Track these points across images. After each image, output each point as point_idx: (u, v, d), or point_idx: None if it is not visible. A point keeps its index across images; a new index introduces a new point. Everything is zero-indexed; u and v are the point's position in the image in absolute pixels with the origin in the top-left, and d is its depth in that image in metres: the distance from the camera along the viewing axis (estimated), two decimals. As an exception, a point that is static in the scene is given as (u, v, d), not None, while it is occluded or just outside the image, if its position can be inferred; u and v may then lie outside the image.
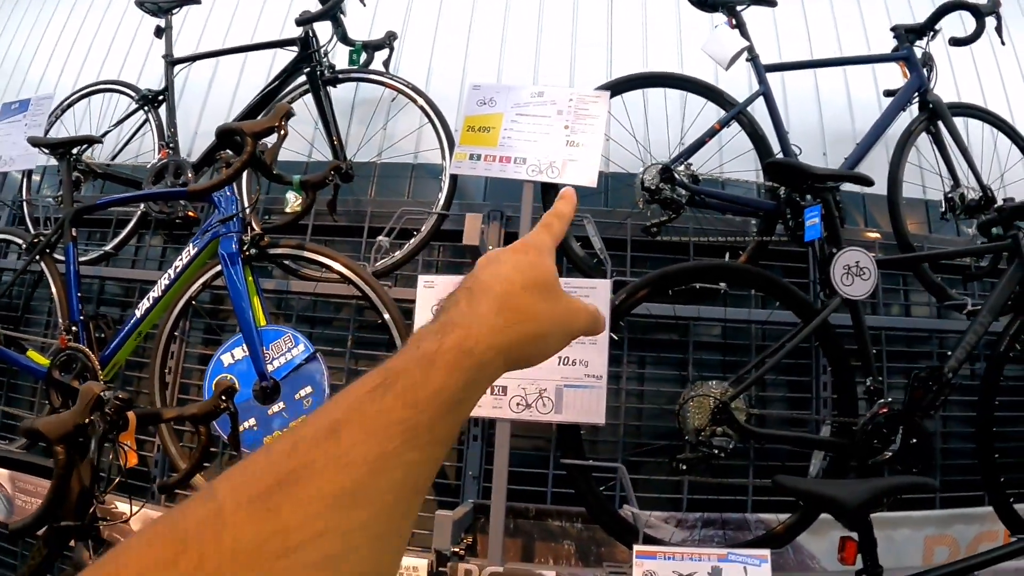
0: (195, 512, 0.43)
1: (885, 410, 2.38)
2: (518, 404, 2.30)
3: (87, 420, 1.90)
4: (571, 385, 2.30)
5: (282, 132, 2.54)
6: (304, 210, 2.81)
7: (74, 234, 2.99)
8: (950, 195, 2.98)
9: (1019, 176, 3.12)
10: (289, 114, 2.58)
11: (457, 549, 2.39)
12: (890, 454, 2.35)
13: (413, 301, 2.42)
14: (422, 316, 2.40)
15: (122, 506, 2.60)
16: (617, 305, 2.36)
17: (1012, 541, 2.36)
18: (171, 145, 3.35)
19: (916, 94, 2.98)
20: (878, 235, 3.15)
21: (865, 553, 1.87)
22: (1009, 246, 2.62)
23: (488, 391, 2.29)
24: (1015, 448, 3.01)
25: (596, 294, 2.34)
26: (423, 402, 0.53)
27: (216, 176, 3.01)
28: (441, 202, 2.83)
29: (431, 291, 2.44)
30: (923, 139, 3.06)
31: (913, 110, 3.10)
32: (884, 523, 2.79)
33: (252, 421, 2.57)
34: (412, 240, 2.83)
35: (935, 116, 2.98)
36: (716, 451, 2.23)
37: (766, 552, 2.29)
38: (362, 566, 0.46)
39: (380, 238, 2.77)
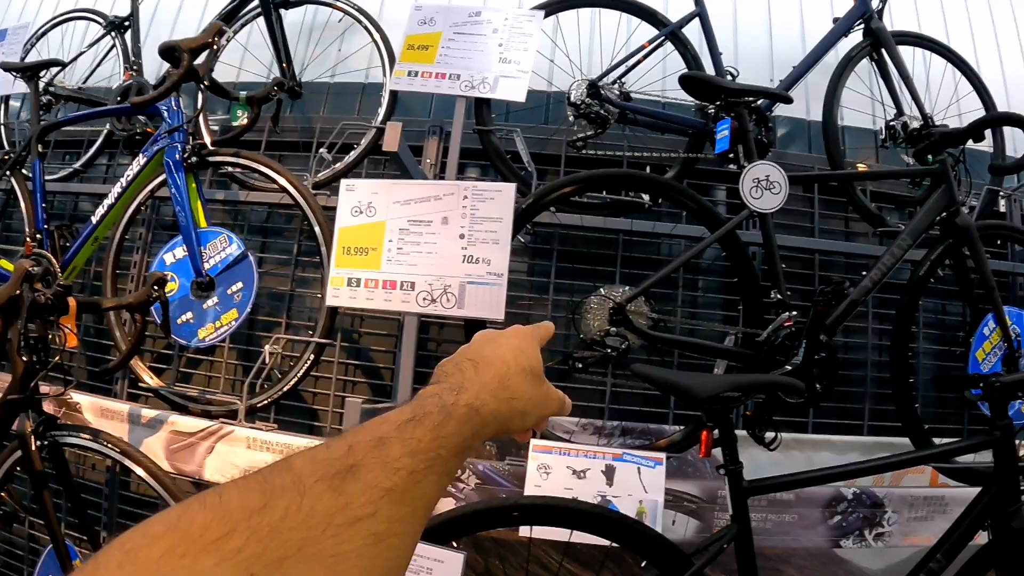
0: (280, 477, 0.54)
1: (789, 324, 2.43)
2: (424, 299, 2.42)
3: (18, 292, 2.16)
4: (474, 282, 2.41)
5: (215, 48, 2.72)
6: (249, 124, 2.97)
7: (41, 150, 3.17)
8: (892, 123, 2.98)
9: (975, 107, 3.12)
10: (221, 31, 2.75)
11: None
12: (791, 367, 2.41)
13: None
14: (343, 217, 2.54)
15: (77, 397, 2.84)
16: (524, 209, 2.46)
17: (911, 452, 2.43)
18: (135, 68, 3.53)
19: (860, 21, 2.95)
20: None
21: (725, 448, 1.94)
22: (936, 171, 2.63)
23: (398, 286, 2.42)
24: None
25: (501, 197, 2.45)
26: (444, 440, 0.66)
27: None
28: (380, 117, 2.92)
29: (352, 194, 2.55)
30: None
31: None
32: (805, 444, 2.86)
33: (189, 315, 2.74)
34: (352, 153, 2.96)
35: (878, 44, 2.98)
36: (609, 350, 2.32)
37: (661, 455, 2.39)
38: (393, 550, 0.57)
39: (321, 150, 2.92)
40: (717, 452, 1.93)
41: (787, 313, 2.42)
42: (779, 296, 2.43)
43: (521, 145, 2.66)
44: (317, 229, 2.64)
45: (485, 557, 2.82)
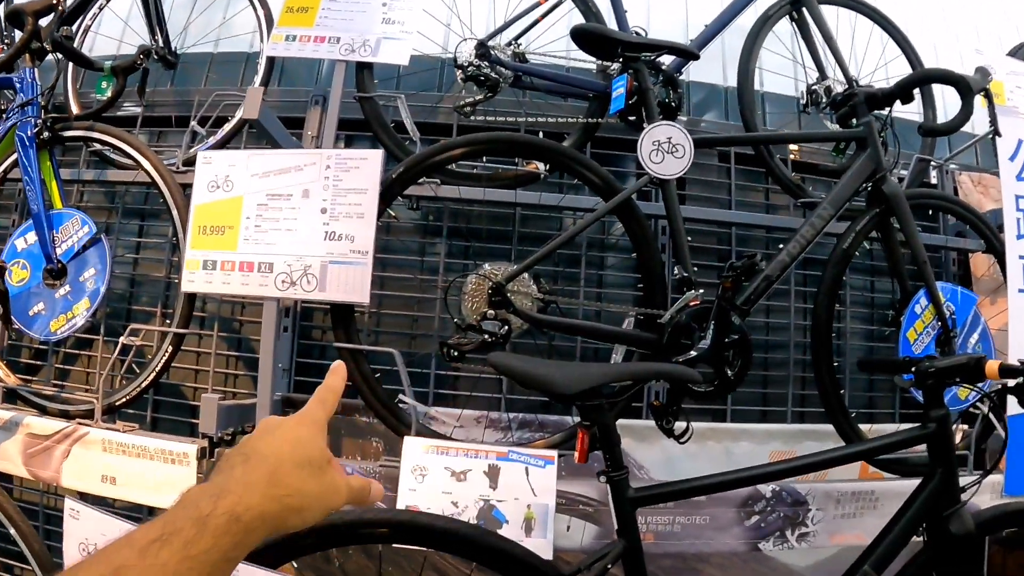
0: None
1: (696, 302, 1.96)
2: (283, 282, 1.95)
3: None
4: (337, 261, 1.93)
5: (61, 9, 2.30)
6: (114, 96, 2.48)
7: None
8: (814, 87, 2.52)
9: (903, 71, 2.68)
10: (65, -9, 2.30)
11: (227, 433, 2.07)
12: (696, 353, 1.95)
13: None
14: (199, 191, 2.07)
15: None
16: (393, 179, 1.98)
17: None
18: (6, 41, 3.04)
19: (778, -22, 2.52)
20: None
21: (606, 451, 1.48)
22: (860, 135, 2.19)
23: (255, 268, 1.95)
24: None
25: (366, 165, 1.97)
26: (195, 560, 0.57)
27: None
28: (256, 85, 2.46)
29: (208, 168, 2.08)
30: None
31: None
32: (723, 434, 2.40)
33: (41, 305, 2.25)
34: (226, 125, 2.48)
35: (799, 2, 2.52)
36: (487, 336, 1.85)
37: (552, 453, 1.93)
38: None
39: (193, 124, 2.43)
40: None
41: (693, 292, 1.96)
42: (684, 272, 1.98)
43: (404, 112, 2.19)
44: (172, 208, 2.16)
45: (377, 564, 2.34)
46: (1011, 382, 1.47)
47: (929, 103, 2.69)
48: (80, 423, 2.16)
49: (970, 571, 1.54)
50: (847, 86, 2.50)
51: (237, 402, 2.08)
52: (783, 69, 2.67)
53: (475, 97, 2.26)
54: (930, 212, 2.61)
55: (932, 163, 2.69)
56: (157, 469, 2.08)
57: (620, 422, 2.07)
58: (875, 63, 2.64)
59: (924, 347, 2.26)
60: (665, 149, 1.97)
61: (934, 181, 2.74)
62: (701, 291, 1.97)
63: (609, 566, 1.43)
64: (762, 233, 2.62)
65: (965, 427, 2.39)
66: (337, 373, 0.84)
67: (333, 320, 1.96)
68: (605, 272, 2.48)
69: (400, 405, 1.97)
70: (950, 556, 1.53)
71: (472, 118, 2.28)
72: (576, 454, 1.48)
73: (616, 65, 2.29)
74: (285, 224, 1.97)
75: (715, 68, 2.66)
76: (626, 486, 1.46)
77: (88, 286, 2.21)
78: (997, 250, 2.46)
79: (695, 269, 2.00)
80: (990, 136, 2.61)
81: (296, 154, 2.03)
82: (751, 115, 2.41)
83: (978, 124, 2.95)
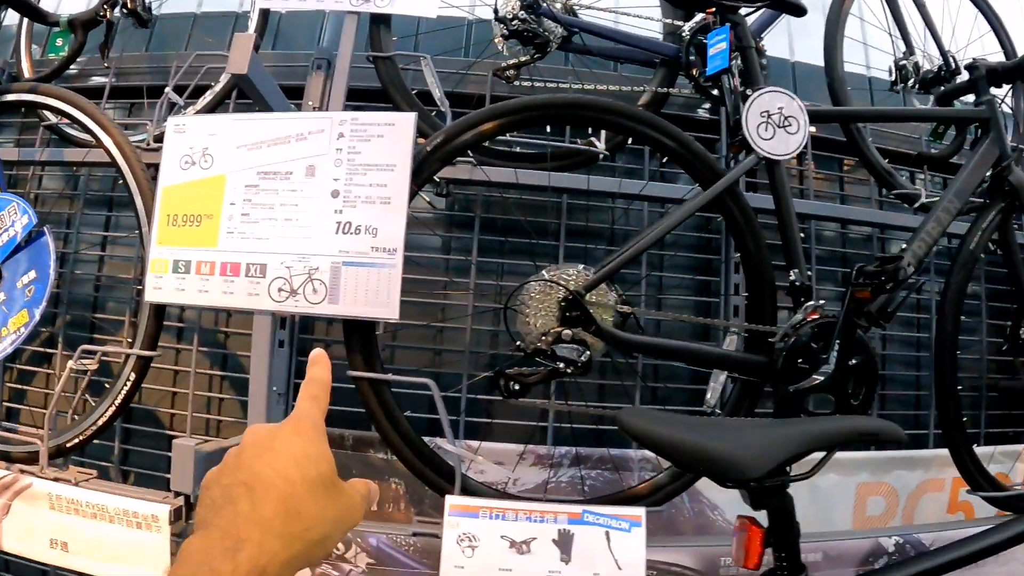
0: None
1: (815, 316, 1.39)
2: (281, 290, 1.32)
3: None
4: (352, 262, 1.31)
5: None
6: (71, 55, 1.82)
7: None
8: (901, 62, 1.96)
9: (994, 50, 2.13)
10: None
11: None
12: (820, 379, 1.38)
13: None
14: (169, 169, 1.42)
15: None
16: (428, 153, 1.37)
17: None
18: None
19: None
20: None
21: (779, 545, 0.91)
22: (983, 115, 1.64)
23: (242, 271, 1.31)
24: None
25: (394, 133, 1.34)
26: None
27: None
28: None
29: (182, 138, 1.43)
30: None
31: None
32: (806, 465, 1.84)
33: (-26, 319, 1.60)
34: (208, 93, 1.83)
35: (884, -33, 1.97)
36: (561, 366, 1.25)
37: (639, 512, 1.33)
38: None
39: (168, 91, 1.78)
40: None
41: (812, 302, 1.37)
42: (800, 279, 1.39)
43: (431, 76, 1.57)
44: (136, 193, 1.52)
45: None
46: None
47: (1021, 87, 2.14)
48: (23, 470, 1.52)
49: None
50: (942, 62, 1.94)
51: (219, 445, 1.44)
52: (852, 44, 2.09)
53: (520, 59, 1.64)
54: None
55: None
56: (119, 534, 1.46)
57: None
58: (964, 40, 2.07)
59: (1050, 367, 1.72)
60: (776, 122, 1.39)
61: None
62: (822, 302, 1.38)
63: None
64: (835, 230, 2.03)
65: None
66: (319, 363, 0.62)
67: (347, 339, 1.33)
68: (665, 273, 1.86)
69: (437, 450, 1.36)
70: None
71: (515, 85, 1.66)
72: (742, 556, 0.89)
73: (689, 26, 1.69)
74: (283, 212, 1.33)
75: (780, 41, 2.08)
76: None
77: (27, 295, 1.55)
78: None
79: (809, 273, 1.42)
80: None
81: (298, 118, 1.40)
82: (841, 89, 1.83)
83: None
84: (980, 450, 1.68)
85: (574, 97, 1.40)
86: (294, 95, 1.73)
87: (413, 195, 1.33)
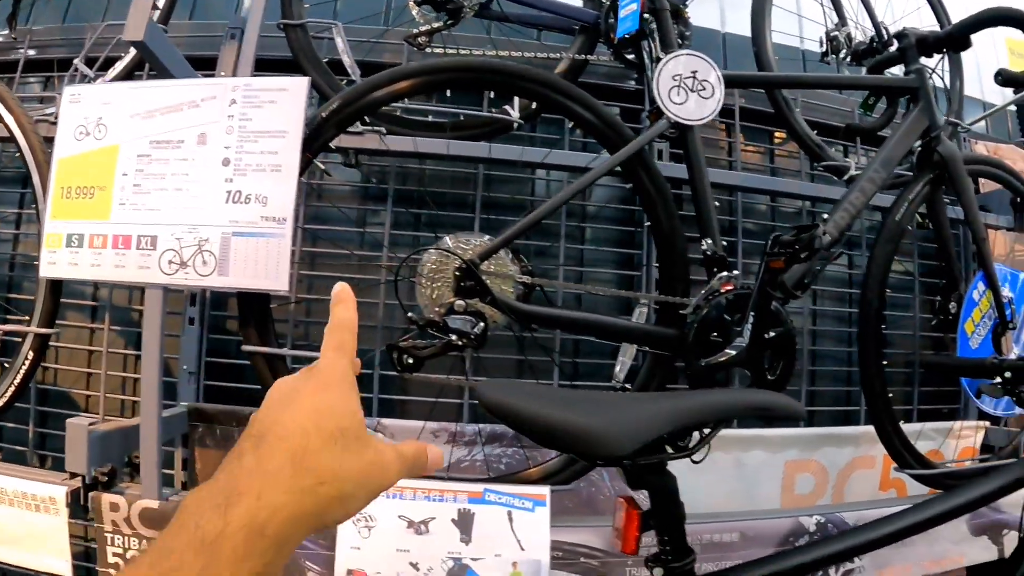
0: None
1: (729, 287, 1.34)
2: (171, 263, 1.25)
3: None
4: (242, 232, 1.24)
5: None
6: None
7: None
8: (833, 33, 1.89)
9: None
10: None
11: (103, 472, 1.37)
12: (734, 352, 1.33)
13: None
14: (64, 140, 1.34)
15: None
16: (324, 119, 1.30)
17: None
18: None
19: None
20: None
21: (661, 527, 0.85)
22: (911, 84, 1.59)
23: (133, 244, 1.24)
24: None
25: (286, 99, 1.28)
26: None
27: None
28: (157, 15, 1.74)
29: (77, 108, 1.36)
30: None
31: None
32: (733, 442, 1.78)
33: None
34: (118, 64, 1.75)
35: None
36: (455, 338, 1.19)
37: (543, 490, 1.28)
38: None
39: (76, 62, 1.70)
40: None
41: (725, 273, 1.32)
42: (714, 248, 1.34)
43: (341, 44, 1.50)
44: (32, 168, 1.44)
45: None
46: None
47: (956, 60, 2.10)
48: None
49: None
50: (874, 33, 1.89)
51: (117, 424, 1.37)
52: (784, 15, 2.04)
53: (432, 25, 1.57)
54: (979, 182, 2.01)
55: (960, 128, 2.09)
56: (19, 517, 1.39)
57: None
58: (900, 12, 2.02)
59: (982, 340, 1.67)
60: (689, 86, 1.33)
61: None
62: (736, 273, 1.33)
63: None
64: (764, 203, 1.98)
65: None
66: (342, 301, 0.53)
67: (241, 313, 1.27)
68: (586, 246, 1.80)
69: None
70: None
71: (427, 52, 1.58)
72: (619, 540, 0.84)
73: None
74: (174, 182, 1.26)
75: (712, 11, 2.02)
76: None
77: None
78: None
79: (724, 244, 1.37)
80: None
81: (191, 85, 1.32)
82: (767, 57, 1.77)
83: (987, 91, 2.41)
84: (909, 427, 1.65)
85: (471, 60, 1.34)
86: (212, 66, 1.65)
87: (307, 164, 1.27)
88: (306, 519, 0.41)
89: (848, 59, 1.89)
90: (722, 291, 1.31)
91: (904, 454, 1.58)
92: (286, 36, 1.59)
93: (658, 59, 1.34)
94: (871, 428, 1.57)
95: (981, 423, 1.99)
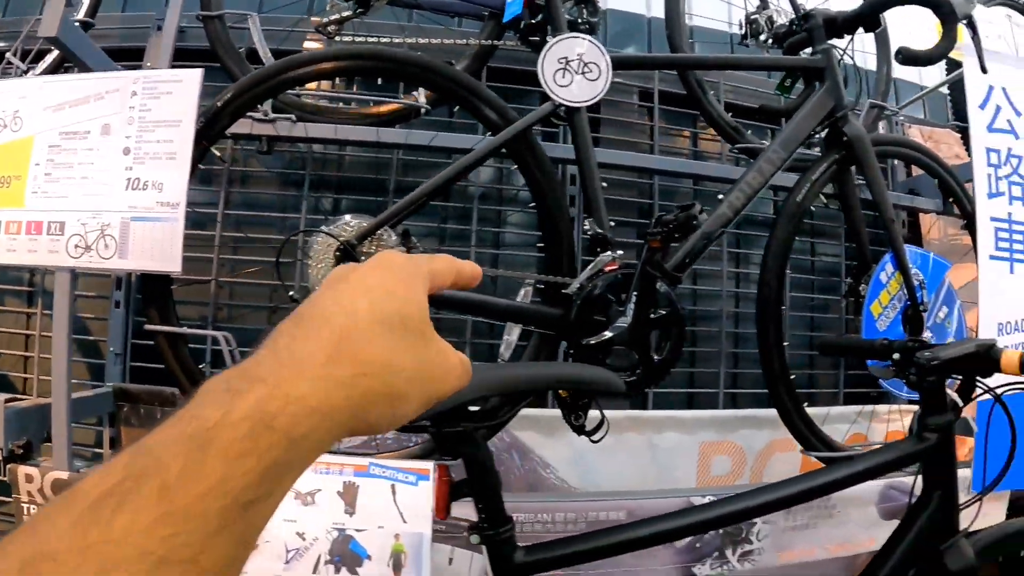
0: None
1: (613, 267, 1.38)
2: (76, 247, 1.32)
3: None
4: (139, 217, 1.31)
5: None
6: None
7: None
8: (754, 16, 1.90)
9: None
10: None
11: (19, 444, 1.45)
12: (612, 333, 1.36)
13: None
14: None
15: None
16: (219, 109, 1.35)
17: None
18: None
19: None
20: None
21: (478, 497, 0.89)
22: (816, 64, 1.61)
23: (44, 229, 1.30)
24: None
25: (181, 90, 1.34)
26: (181, 515, 0.26)
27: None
28: (84, 9, 1.79)
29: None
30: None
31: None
32: (646, 423, 1.82)
33: None
34: (48, 57, 1.81)
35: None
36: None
37: (427, 465, 1.33)
38: None
39: (9, 56, 1.78)
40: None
41: (609, 253, 1.36)
42: (598, 229, 1.37)
43: (256, 34, 1.56)
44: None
45: None
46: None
47: (883, 43, 2.10)
48: None
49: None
50: (794, 16, 1.90)
51: (34, 402, 1.45)
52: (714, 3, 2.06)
53: (341, 14, 1.62)
54: (893, 163, 2.03)
55: (888, 111, 2.10)
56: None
57: (523, 412, 1.50)
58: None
59: (890, 323, 1.69)
60: (575, 68, 1.37)
61: (882, 132, 2.16)
62: (620, 253, 1.37)
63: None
64: (688, 186, 2.01)
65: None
66: (471, 263, 0.45)
67: (143, 294, 1.34)
68: (505, 230, 1.84)
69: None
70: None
71: (338, 40, 1.63)
72: (433, 503, 0.89)
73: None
74: (80, 171, 1.34)
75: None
76: (512, 547, 0.88)
77: None
78: (968, 212, 1.89)
79: (612, 225, 1.40)
80: (949, 84, 2.05)
81: (96, 78, 1.39)
82: (680, 39, 1.80)
83: (926, 75, 2.41)
84: (812, 411, 1.66)
85: (363, 48, 1.38)
86: (140, 58, 1.72)
87: (205, 151, 1.33)
88: (334, 415, 0.33)
89: (770, 41, 1.90)
90: (605, 271, 1.35)
91: (808, 436, 1.59)
92: (204, 27, 1.65)
93: (544, 41, 1.38)
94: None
95: (910, 407, 2.00)
